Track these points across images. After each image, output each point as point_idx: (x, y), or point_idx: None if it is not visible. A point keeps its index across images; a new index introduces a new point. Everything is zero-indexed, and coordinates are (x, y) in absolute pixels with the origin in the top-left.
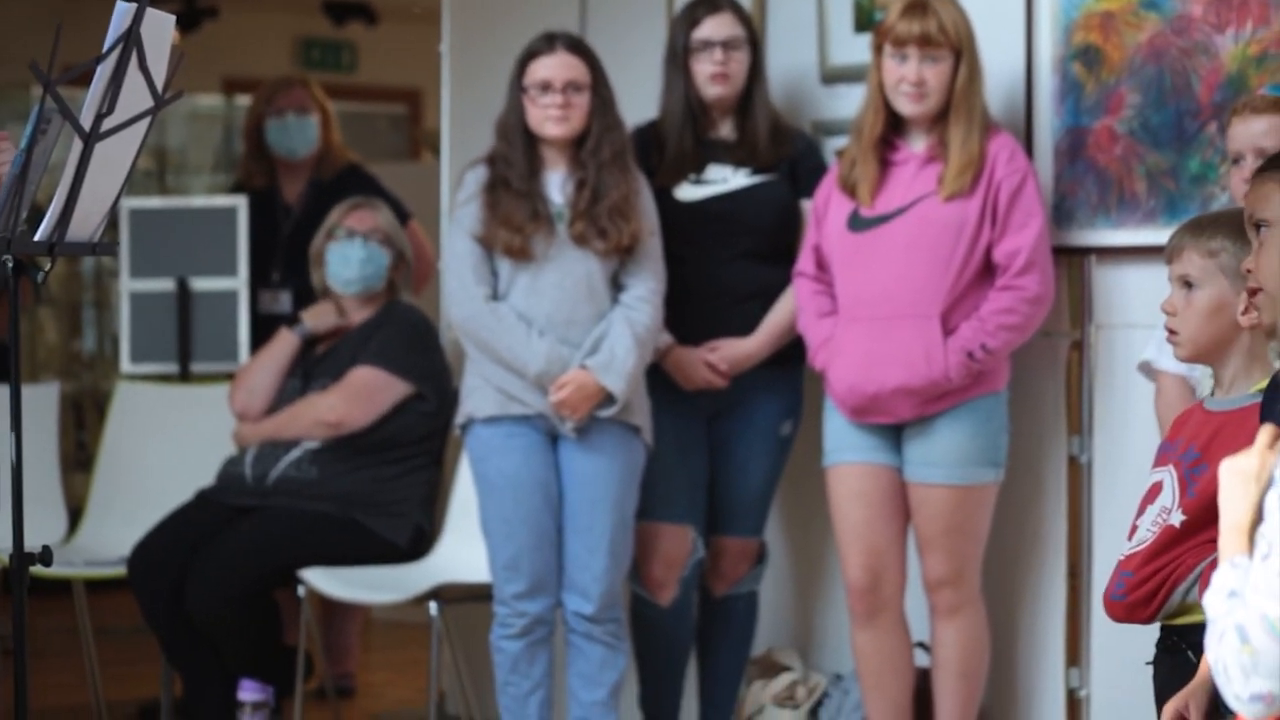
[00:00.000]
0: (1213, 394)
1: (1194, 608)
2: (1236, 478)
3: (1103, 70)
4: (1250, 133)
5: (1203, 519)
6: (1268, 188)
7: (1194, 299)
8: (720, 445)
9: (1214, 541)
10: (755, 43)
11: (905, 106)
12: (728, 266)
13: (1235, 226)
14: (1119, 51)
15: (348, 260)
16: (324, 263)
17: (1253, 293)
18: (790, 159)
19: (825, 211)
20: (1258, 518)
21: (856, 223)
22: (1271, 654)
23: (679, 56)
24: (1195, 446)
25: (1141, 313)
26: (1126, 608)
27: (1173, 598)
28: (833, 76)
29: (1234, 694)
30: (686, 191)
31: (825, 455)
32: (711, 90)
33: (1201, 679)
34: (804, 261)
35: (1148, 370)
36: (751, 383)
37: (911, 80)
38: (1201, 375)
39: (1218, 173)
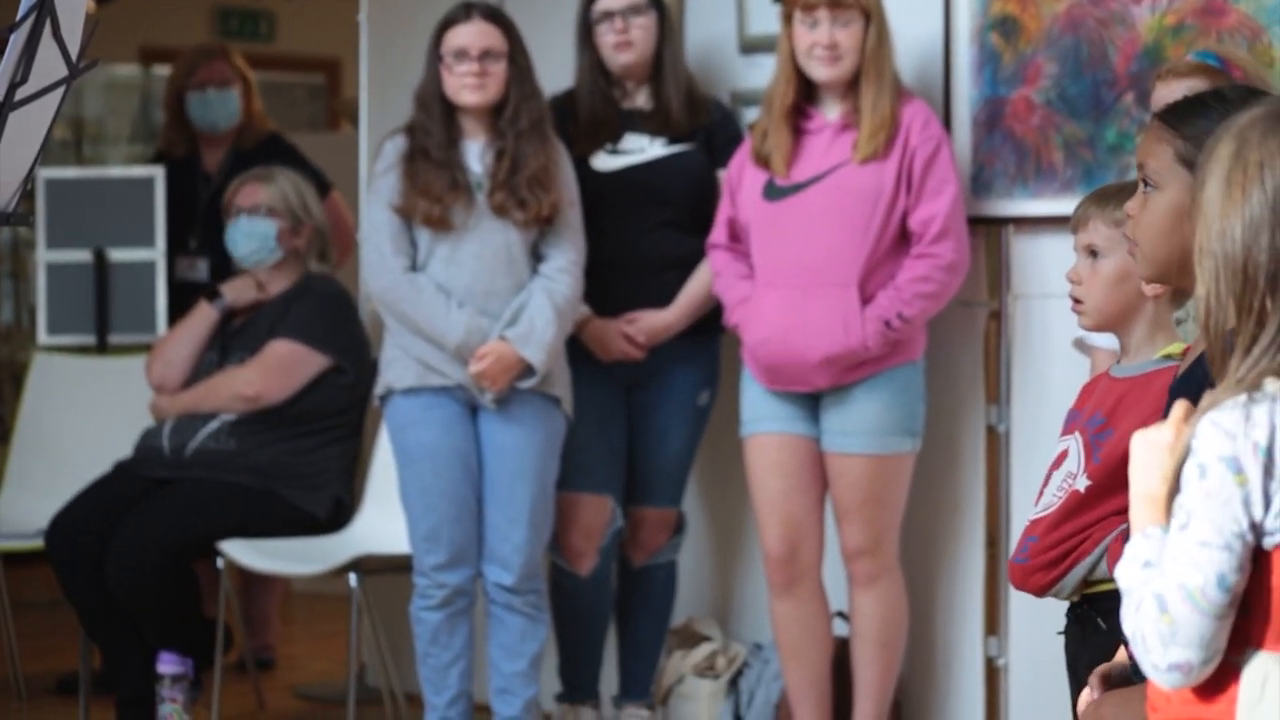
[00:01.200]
0: (1119, 362)
1: (1100, 581)
2: (1149, 449)
3: (1020, 41)
4: (1173, 96)
5: (1107, 484)
6: (1157, 138)
7: (1099, 268)
8: (638, 416)
9: (1120, 514)
10: (661, 7)
11: (819, 71)
12: (645, 237)
13: None
14: (1036, 22)
15: (235, 238)
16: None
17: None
18: (706, 128)
19: (739, 183)
20: (1174, 489)
21: (772, 192)
22: (1190, 623)
23: (586, 27)
24: (1101, 413)
25: (1059, 283)
26: (1024, 572)
27: (1074, 572)
28: (751, 46)
29: (1152, 664)
30: (603, 161)
31: (742, 425)
32: (618, 60)
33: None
34: (717, 233)
35: (1082, 346)
36: (669, 353)
37: (824, 44)
38: None
39: (1134, 142)
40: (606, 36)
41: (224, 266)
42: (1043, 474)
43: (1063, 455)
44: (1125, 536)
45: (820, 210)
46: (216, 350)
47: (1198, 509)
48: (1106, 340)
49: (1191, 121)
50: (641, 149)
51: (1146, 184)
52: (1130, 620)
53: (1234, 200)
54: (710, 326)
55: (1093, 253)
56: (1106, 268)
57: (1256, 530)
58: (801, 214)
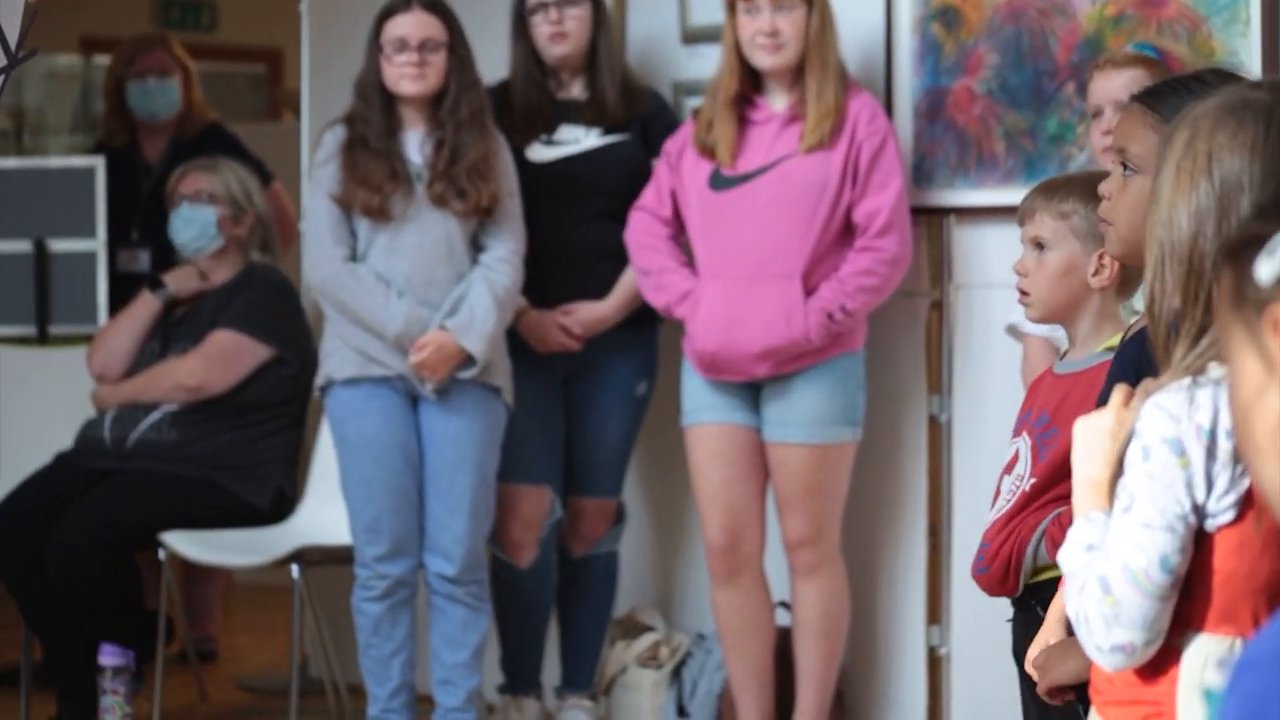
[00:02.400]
0: (1063, 357)
1: (1046, 566)
2: (1091, 435)
3: (962, 31)
4: (1110, 87)
5: (1051, 481)
6: (1136, 121)
7: (1046, 260)
8: (576, 407)
9: (1056, 501)
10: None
11: (762, 59)
12: (581, 228)
13: (1087, 188)
14: (977, 12)
15: (177, 225)
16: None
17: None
18: (642, 119)
19: (679, 161)
20: (1117, 473)
21: (718, 181)
22: (1134, 604)
23: (520, 18)
24: (1047, 412)
25: (1000, 273)
26: (988, 581)
27: (1024, 564)
28: (693, 36)
29: (1095, 645)
30: (538, 152)
31: (684, 415)
32: (552, 51)
33: (1050, 625)
34: (648, 197)
35: (1015, 333)
36: (606, 344)
37: (766, 31)
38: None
39: (1075, 133)
40: (541, 28)
41: (165, 257)
42: (984, 463)
43: (1013, 459)
44: (1062, 521)
45: (766, 201)
46: (158, 340)
47: (1141, 491)
48: (1039, 327)
49: (1173, 105)
50: (576, 140)
51: (1126, 167)
52: (1074, 602)
53: (1182, 189)
54: (647, 317)
55: (1039, 245)
56: (1053, 260)
57: (1199, 512)
58: (747, 205)
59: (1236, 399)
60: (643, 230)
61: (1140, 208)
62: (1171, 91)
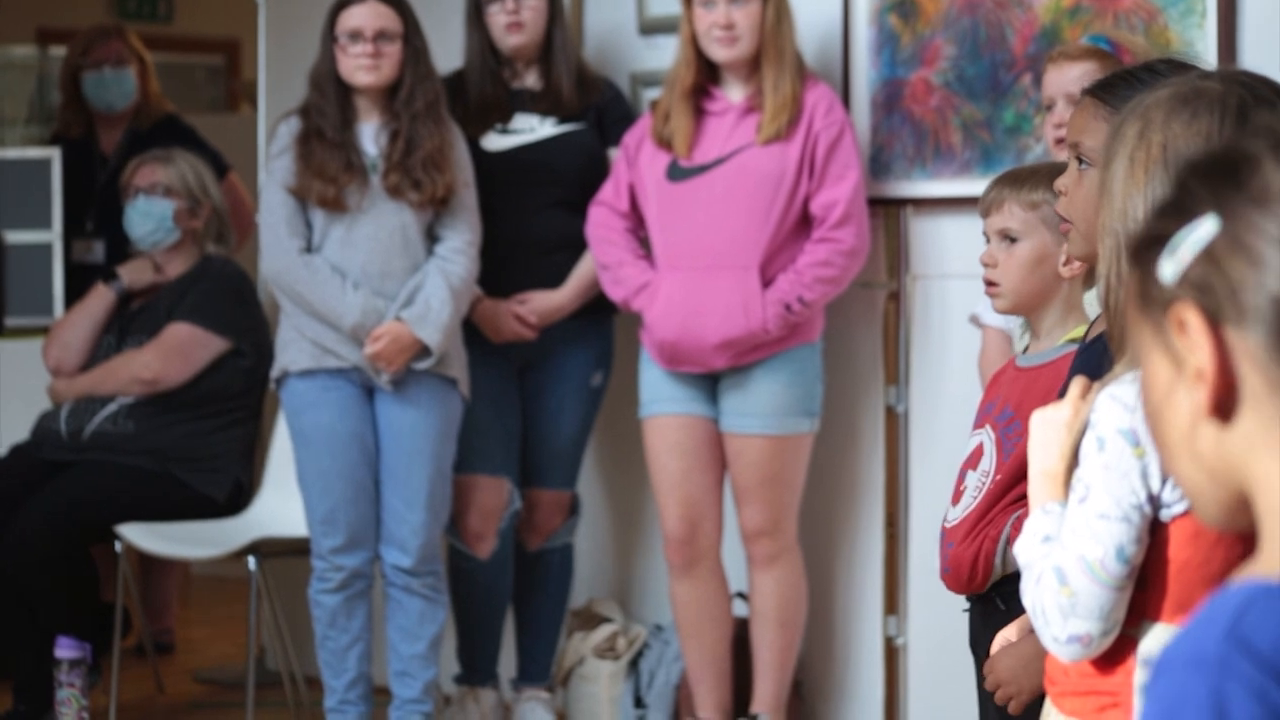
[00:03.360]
0: (1025, 350)
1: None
2: (1048, 427)
3: (919, 22)
4: (1063, 80)
5: (1016, 476)
6: (1090, 114)
7: (1016, 251)
8: (532, 397)
9: (1023, 499)
10: None
11: (718, 52)
12: (536, 217)
13: (1055, 178)
14: (934, 4)
15: (133, 218)
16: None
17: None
18: (597, 108)
19: (637, 154)
20: (1073, 465)
21: (676, 173)
22: (1090, 595)
23: (476, 8)
24: (1010, 406)
25: (957, 263)
26: (954, 582)
27: (994, 570)
28: (651, 27)
29: (1052, 636)
30: (493, 141)
31: (641, 406)
32: (509, 40)
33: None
34: (607, 192)
35: (976, 322)
36: (561, 334)
37: (721, 24)
38: (1018, 329)
39: (1032, 124)
40: (498, 17)
41: (121, 249)
42: (941, 454)
43: (977, 453)
44: (1022, 524)
45: (723, 192)
46: (114, 333)
47: (1096, 482)
48: (1000, 319)
49: (1127, 96)
50: (531, 129)
51: (1081, 161)
52: (1030, 593)
53: (1137, 181)
54: (603, 307)
55: (1007, 236)
56: (1023, 250)
57: (1154, 503)
58: (704, 196)
59: (1148, 400)
60: (601, 224)
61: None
62: (1124, 83)
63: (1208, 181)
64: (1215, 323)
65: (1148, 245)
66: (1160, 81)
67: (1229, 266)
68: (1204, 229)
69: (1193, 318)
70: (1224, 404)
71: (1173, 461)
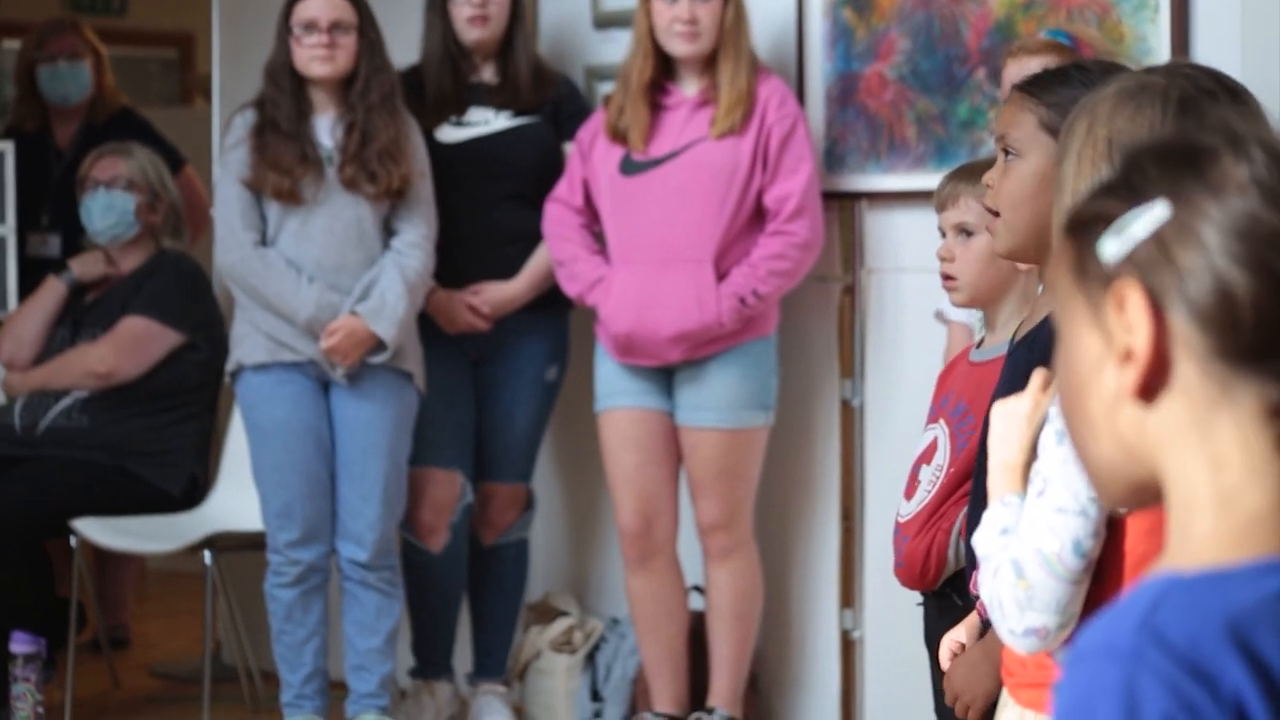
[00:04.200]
0: (979, 345)
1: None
2: (1008, 419)
3: (873, 16)
4: (1023, 73)
5: (968, 470)
6: (1017, 107)
7: (973, 245)
8: (486, 391)
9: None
10: None
11: (678, 47)
12: (490, 210)
13: None
14: None
15: (92, 211)
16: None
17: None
18: (553, 102)
19: (591, 149)
20: (1033, 457)
21: (629, 167)
22: (1046, 588)
23: (438, 1)
24: (964, 400)
25: (912, 257)
26: (908, 576)
27: (946, 565)
28: (605, 21)
29: (1008, 629)
30: (448, 134)
31: (597, 400)
32: (471, 34)
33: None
34: (562, 189)
35: (942, 319)
36: (515, 327)
37: (684, 19)
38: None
39: (987, 118)
40: (463, 9)
41: (76, 242)
42: (896, 447)
43: (931, 447)
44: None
45: (677, 186)
46: (68, 327)
47: (1055, 475)
48: (964, 314)
49: (1054, 90)
50: (486, 121)
51: (1008, 153)
52: (987, 586)
53: (1084, 175)
54: (558, 301)
55: (963, 230)
56: (980, 244)
57: None
58: (658, 190)
59: (1071, 374)
60: (556, 221)
61: (1022, 191)
62: (1053, 79)
63: (1164, 166)
64: (1157, 305)
65: (1090, 222)
66: (1089, 78)
67: (1176, 252)
68: (1155, 212)
69: (1135, 297)
70: (1151, 387)
71: (1091, 438)
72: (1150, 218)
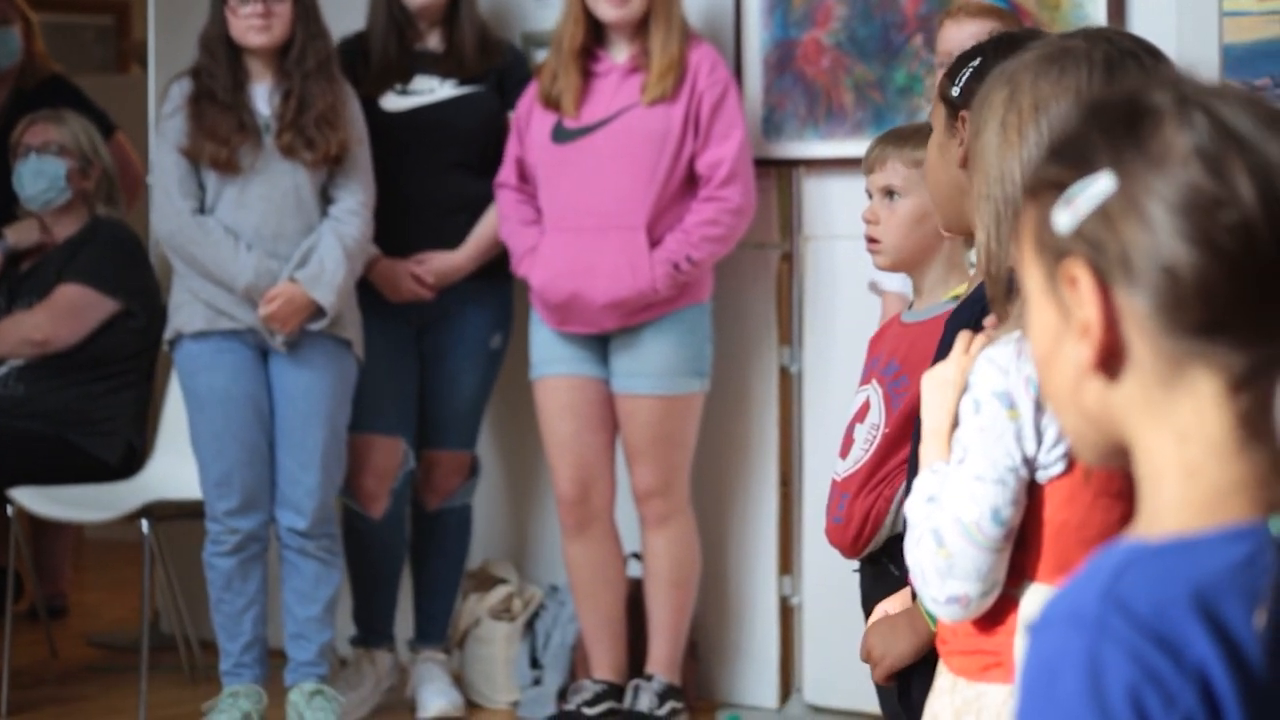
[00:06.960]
0: (911, 306)
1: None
2: (937, 386)
3: None
4: (960, 36)
5: (904, 431)
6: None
7: (897, 208)
8: (430, 358)
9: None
10: None
11: (607, 12)
12: (435, 178)
13: None
14: None
15: (24, 176)
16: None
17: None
18: (498, 70)
19: (527, 124)
20: (955, 423)
21: (561, 134)
22: (966, 557)
23: None
24: (896, 360)
25: (849, 224)
26: (841, 536)
27: (880, 532)
28: None
29: (931, 596)
30: (392, 102)
31: (532, 368)
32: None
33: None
34: (505, 172)
35: (875, 289)
36: (460, 295)
37: None
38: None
39: (923, 85)
40: None
41: (9, 210)
42: (834, 413)
43: (864, 407)
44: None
45: (608, 153)
46: (4, 295)
47: (973, 444)
48: (898, 284)
49: (960, 61)
50: (431, 90)
51: (890, 195)
52: (912, 554)
53: (1011, 144)
54: (502, 269)
55: (889, 193)
56: (905, 208)
57: (1030, 464)
58: (589, 157)
59: (1036, 345)
60: (505, 203)
61: (930, 167)
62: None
63: (1108, 134)
64: (1105, 284)
65: (1045, 188)
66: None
67: (1122, 227)
68: (1100, 185)
69: (1084, 276)
70: (1109, 363)
71: (1057, 407)
72: (1096, 190)
